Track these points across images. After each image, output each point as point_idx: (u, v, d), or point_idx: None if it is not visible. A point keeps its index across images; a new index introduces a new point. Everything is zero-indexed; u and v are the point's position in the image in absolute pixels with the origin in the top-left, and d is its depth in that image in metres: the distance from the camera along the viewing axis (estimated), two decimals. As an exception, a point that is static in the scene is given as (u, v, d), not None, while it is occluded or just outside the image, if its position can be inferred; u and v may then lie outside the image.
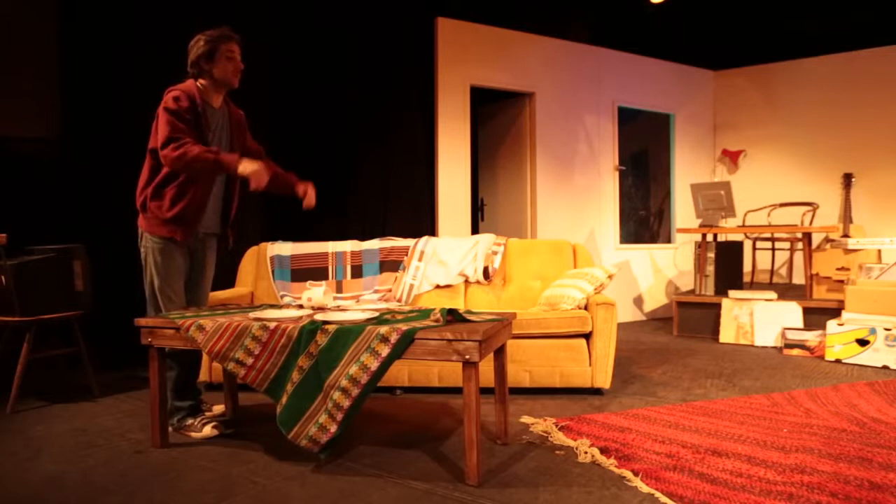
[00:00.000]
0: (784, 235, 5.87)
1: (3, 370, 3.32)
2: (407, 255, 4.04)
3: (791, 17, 6.36)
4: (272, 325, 2.37)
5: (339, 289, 3.96)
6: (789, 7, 6.29)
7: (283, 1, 4.75)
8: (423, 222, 5.23)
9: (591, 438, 2.60)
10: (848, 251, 4.92)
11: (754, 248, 6.10)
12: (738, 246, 5.42)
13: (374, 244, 4.10)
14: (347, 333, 2.26)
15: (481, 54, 5.43)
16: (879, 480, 2.13)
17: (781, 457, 2.36)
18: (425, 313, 2.55)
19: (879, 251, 5.07)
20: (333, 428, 2.24)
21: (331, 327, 2.29)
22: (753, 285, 5.86)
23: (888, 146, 6.02)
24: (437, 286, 3.92)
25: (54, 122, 4.37)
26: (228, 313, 2.68)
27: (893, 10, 5.87)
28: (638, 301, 6.26)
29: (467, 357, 2.14)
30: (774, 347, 4.63)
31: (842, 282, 4.81)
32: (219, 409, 3.05)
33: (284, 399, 2.31)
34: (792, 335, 4.41)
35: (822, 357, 4.23)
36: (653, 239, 6.99)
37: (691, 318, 5.20)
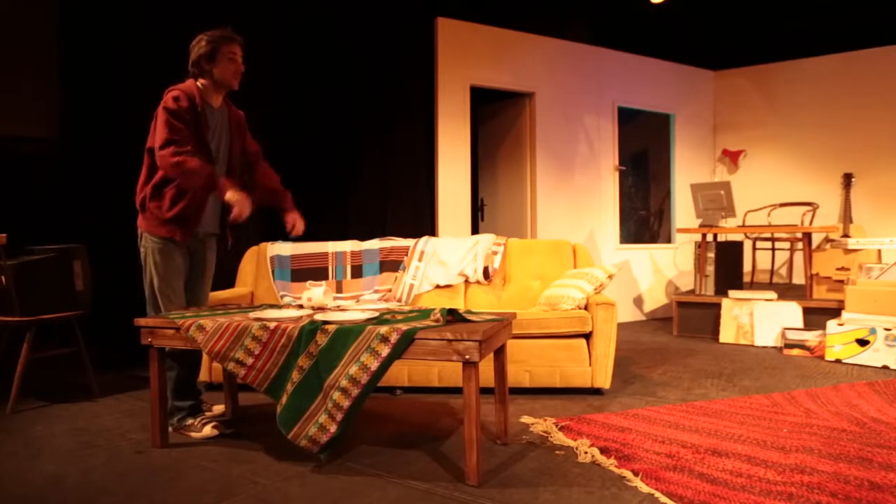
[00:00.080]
0: (784, 235, 5.87)
1: (3, 370, 3.32)
2: (407, 255, 4.04)
3: (791, 17, 6.36)
4: (272, 325, 2.37)
5: (339, 289, 3.96)
6: (789, 7, 6.30)
7: (284, 1, 4.75)
8: (423, 222, 5.23)
9: (591, 438, 2.60)
10: (848, 251, 4.92)
11: (754, 248, 6.10)
12: (738, 246, 5.42)
13: (374, 244, 4.10)
14: (347, 333, 2.26)
15: (481, 54, 5.43)
16: (879, 480, 2.13)
17: (781, 457, 2.36)
18: (425, 313, 2.55)
19: (879, 251, 5.07)
20: (333, 428, 2.24)
21: (331, 327, 2.29)
22: (753, 285, 5.85)
23: (888, 146, 6.01)
24: (437, 286, 3.92)
25: (54, 123, 4.37)
26: (228, 313, 2.68)
27: (893, 10, 5.87)
28: (638, 301, 6.26)
29: (467, 357, 2.14)
30: (774, 347, 4.62)
31: (842, 282, 4.81)
32: (219, 409, 3.05)
33: (284, 399, 2.31)
34: (792, 335, 4.41)
35: (822, 357, 4.23)
36: (653, 239, 6.99)
37: (691, 318, 5.20)
